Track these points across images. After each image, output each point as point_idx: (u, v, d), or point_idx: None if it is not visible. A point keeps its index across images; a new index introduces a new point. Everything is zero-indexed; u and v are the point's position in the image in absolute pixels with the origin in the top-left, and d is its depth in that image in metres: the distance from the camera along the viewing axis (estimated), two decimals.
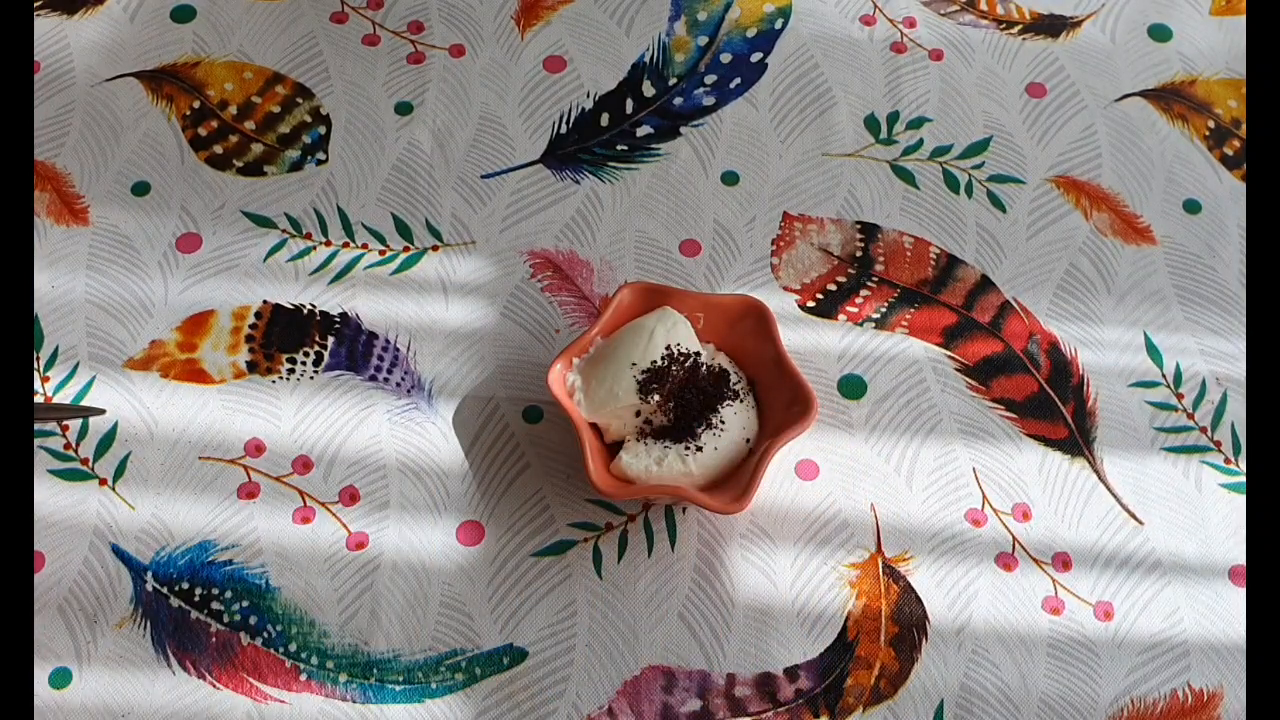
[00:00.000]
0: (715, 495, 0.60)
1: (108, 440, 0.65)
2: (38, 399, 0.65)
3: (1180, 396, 0.68)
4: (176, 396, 0.66)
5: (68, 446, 0.64)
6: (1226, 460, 0.66)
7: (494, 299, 0.70)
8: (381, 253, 0.71)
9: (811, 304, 0.70)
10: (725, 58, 0.79)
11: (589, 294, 0.70)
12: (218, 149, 0.75)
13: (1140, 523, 0.64)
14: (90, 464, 0.64)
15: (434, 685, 0.59)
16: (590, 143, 0.75)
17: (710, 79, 0.78)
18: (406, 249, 0.71)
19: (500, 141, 0.75)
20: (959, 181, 0.75)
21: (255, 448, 0.65)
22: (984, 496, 0.64)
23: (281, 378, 0.67)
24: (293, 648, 0.60)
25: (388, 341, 0.68)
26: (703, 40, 0.80)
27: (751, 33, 0.80)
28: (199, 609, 0.60)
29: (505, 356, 0.68)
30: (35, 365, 0.67)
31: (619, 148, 0.75)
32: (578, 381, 0.63)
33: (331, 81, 0.77)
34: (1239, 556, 0.63)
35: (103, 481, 0.64)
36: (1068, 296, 0.71)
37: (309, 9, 0.81)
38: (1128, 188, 0.75)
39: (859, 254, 0.72)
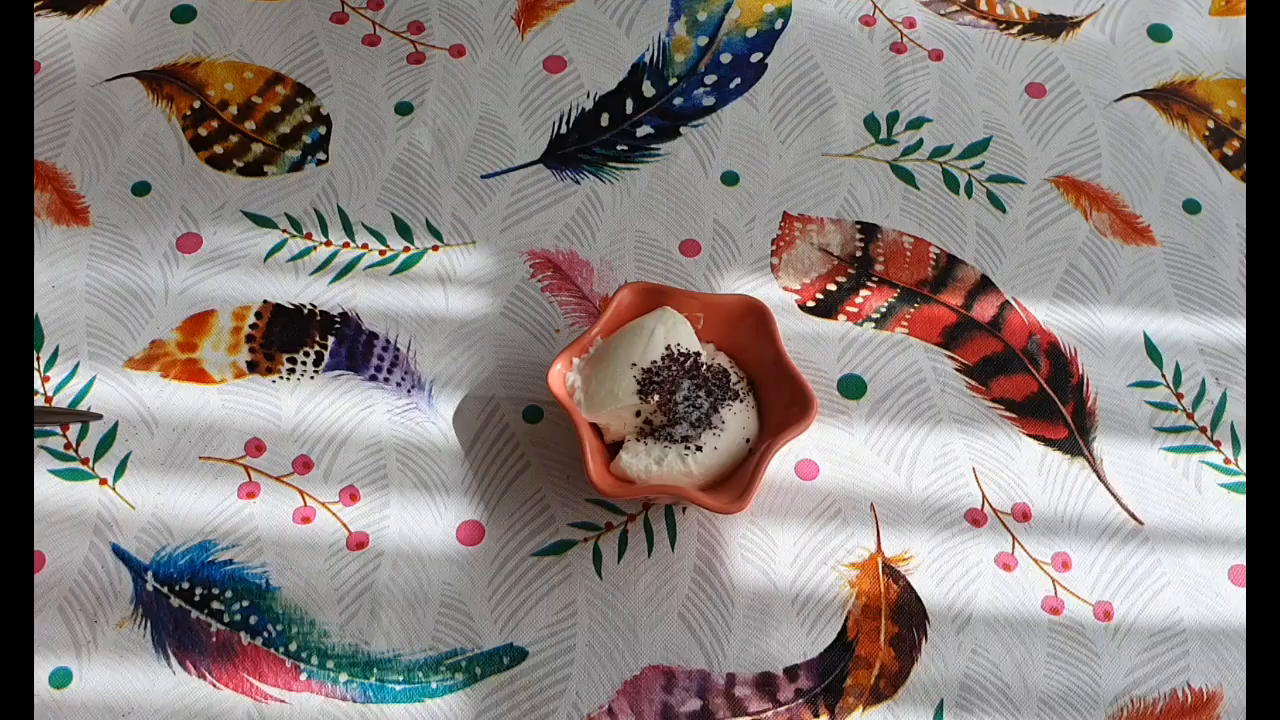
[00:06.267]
0: (715, 495, 0.60)
1: (108, 440, 0.65)
2: (38, 399, 0.66)
3: (1180, 396, 0.68)
4: (177, 396, 0.66)
5: (68, 446, 0.64)
6: (1226, 460, 0.66)
7: (494, 299, 0.70)
8: (382, 253, 0.71)
9: (811, 304, 0.70)
10: (725, 58, 0.79)
11: (589, 294, 0.70)
12: (218, 149, 0.75)
13: (1140, 522, 0.64)
14: (90, 464, 0.64)
15: (434, 685, 0.59)
16: (590, 143, 0.76)
17: (710, 79, 0.78)
18: (407, 249, 0.71)
19: (500, 141, 0.75)
20: (959, 181, 0.75)
21: (255, 447, 0.65)
22: (984, 496, 0.64)
23: (282, 377, 0.67)
24: (293, 647, 0.60)
25: (388, 341, 0.68)
26: (703, 40, 0.80)
27: (751, 33, 0.80)
28: (199, 609, 0.60)
29: (505, 356, 0.68)
30: (35, 365, 0.67)
31: (619, 148, 0.75)
32: (578, 381, 0.63)
33: (332, 82, 0.77)
34: (1239, 556, 0.63)
35: (103, 481, 0.64)
36: (1067, 296, 0.71)
37: (309, 9, 0.81)
38: (1127, 188, 0.75)
39: (859, 254, 0.72)
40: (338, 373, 0.67)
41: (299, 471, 0.64)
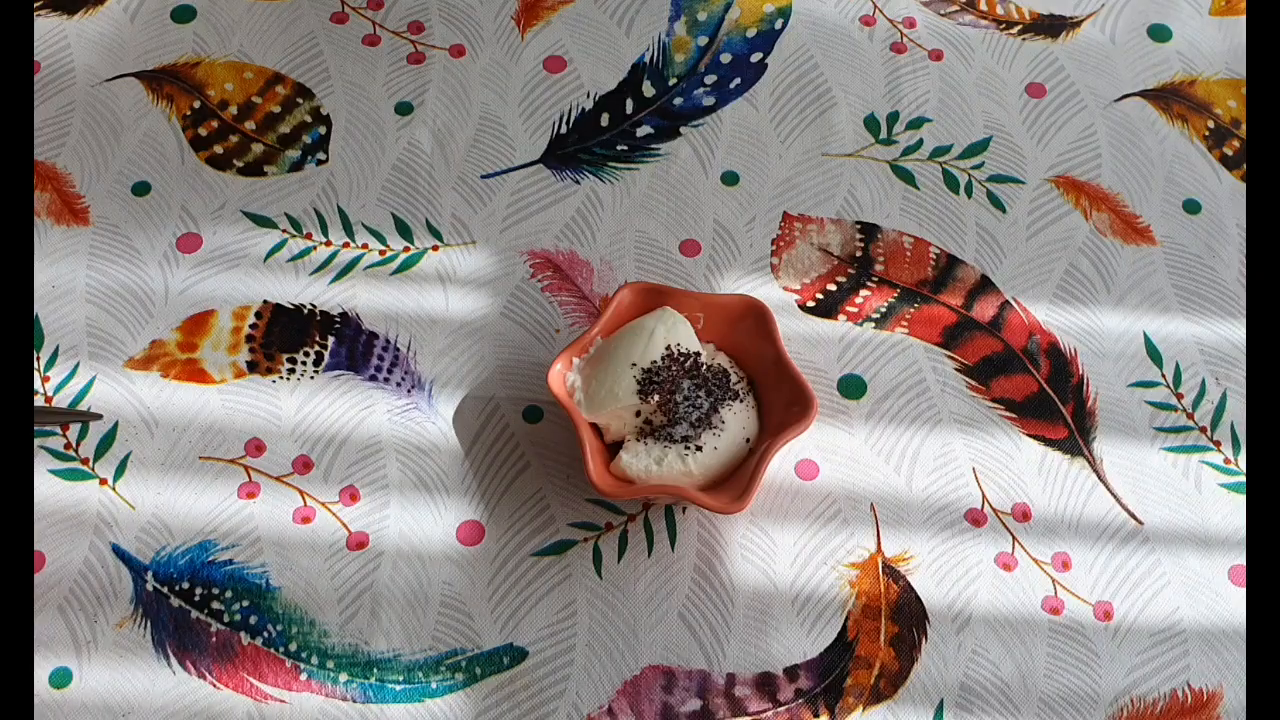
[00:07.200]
0: (715, 495, 0.60)
1: (108, 440, 0.65)
2: (38, 399, 0.66)
3: (1180, 396, 0.68)
4: (177, 396, 0.66)
5: (68, 446, 0.64)
6: (1226, 460, 0.66)
7: (494, 299, 0.70)
8: (382, 253, 0.71)
9: (811, 304, 0.70)
10: (725, 58, 0.79)
11: (589, 294, 0.70)
12: (218, 149, 0.75)
13: (1140, 522, 0.64)
14: (90, 464, 0.64)
15: (434, 685, 0.59)
16: (590, 143, 0.76)
17: (710, 79, 0.78)
18: (407, 249, 0.71)
19: (500, 141, 0.75)
20: (959, 181, 0.75)
21: (255, 447, 0.65)
22: (984, 496, 0.64)
23: (282, 377, 0.67)
24: (293, 647, 0.60)
25: (388, 341, 0.68)
26: (703, 40, 0.80)
27: (751, 33, 0.80)
28: (199, 608, 0.60)
29: (505, 356, 0.68)
30: (35, 365, 0.67)
31: (619, 148, 0.75)
32: (578, 381, 0.63)
33: (332, 82, 0.77)
34: (1239, 556, 0.63)
35: (103, 481, 0.64)
36: (1067, 296, 0.71)
37: (309, 9, 0.81)
38: (1127, 188, 0.75)
39: (859, 254, 0.72)
40: (338, 373, 0.67)
41: (299, 471, 0.64)
